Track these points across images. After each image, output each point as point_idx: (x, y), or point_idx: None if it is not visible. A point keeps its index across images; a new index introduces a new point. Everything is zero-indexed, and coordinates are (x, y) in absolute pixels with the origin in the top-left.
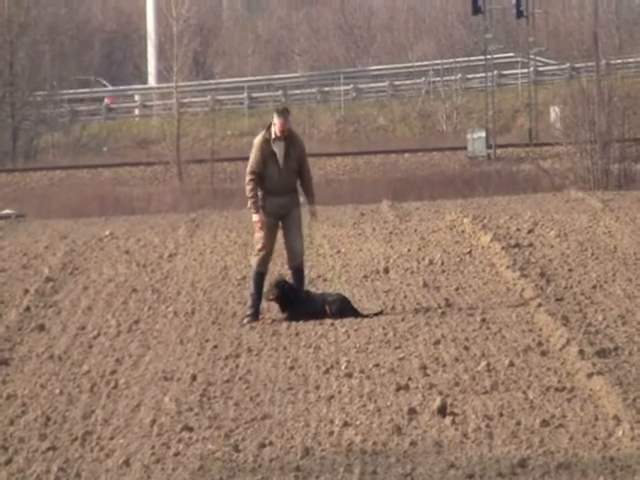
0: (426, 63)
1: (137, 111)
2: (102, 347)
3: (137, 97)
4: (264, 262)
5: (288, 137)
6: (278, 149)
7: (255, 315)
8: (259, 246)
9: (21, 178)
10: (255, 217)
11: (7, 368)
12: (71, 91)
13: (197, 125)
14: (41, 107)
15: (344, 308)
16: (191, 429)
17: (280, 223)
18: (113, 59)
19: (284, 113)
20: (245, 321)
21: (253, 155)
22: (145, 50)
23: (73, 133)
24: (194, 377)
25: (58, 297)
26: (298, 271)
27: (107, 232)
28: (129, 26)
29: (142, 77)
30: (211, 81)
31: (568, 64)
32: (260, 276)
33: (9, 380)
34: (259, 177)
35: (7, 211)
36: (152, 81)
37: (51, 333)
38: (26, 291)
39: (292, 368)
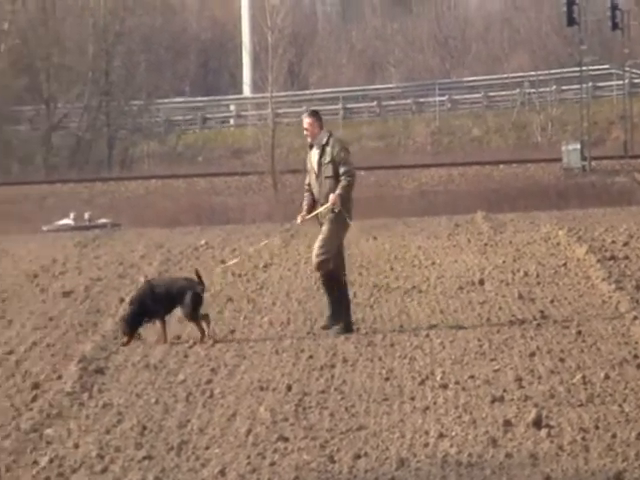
0: (521, 74)
1: (232, 121)
2: (198, 356)
3: (232, 107)
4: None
5: (325, 143)
6: (313, 155)
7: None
8: None
9: (117, 187)
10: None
11: (103, 377)
12: (166, 100)
13: (292, 135)
14: (136, 116)
15: None
16: (286, 439)
17: None
18: (208, 69)
19: (310, 113)
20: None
21: None
22: (240, 60)
23: (169, 142)
24: (289, 387)
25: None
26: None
27: (202, 241)
28: (224, 36)
29: (237, 87)
30: (306, 91)
31: None
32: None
33: (105, 389)
34: (310, 185)
35: (103, 220)
36: (247, 91)
37: (147, 342)
38: (122, 300)
39: (387, 379)
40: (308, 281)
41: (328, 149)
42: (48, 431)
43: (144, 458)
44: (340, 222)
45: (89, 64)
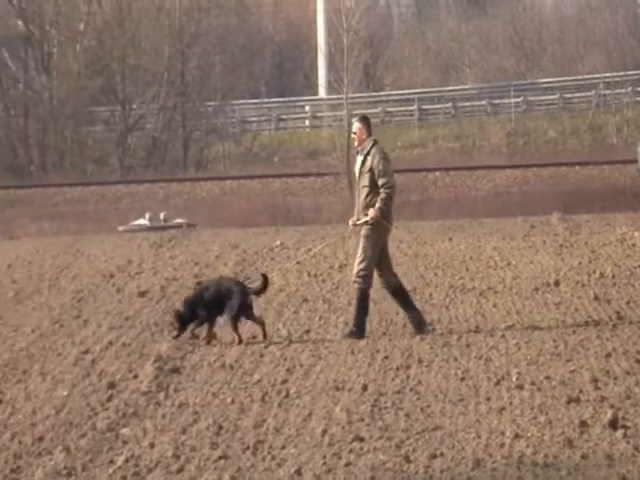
0: (596, 76)
1: (307, 122)
2: (273, 356)
3: (307, 108)
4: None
5: (368, 152)
6: (357, 162)
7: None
8: None
9: (192, 188)
10: None
11: (179, 376)
12: (242, 101)
13: None
14: (212, 117)
15: None
16: (362, 439)
17: None
18: (283, 70)
19: (360, 119)
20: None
21: None
22: (315, 61)
23: (244, 143)
24: (365, 387)
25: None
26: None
27: (278, 242)
28: (299, 37)
29: (312, 88)
30: (381, 93)
31: None
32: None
33: (181, 388)
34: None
35: (178, 220)
36: (322, 92)
37: (222, 341)
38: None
39: (463, 379)
40: None
41: (369, 158)
42: (124, 431)
43: (220, 458)
44: (377, 233)
45: (165, 65)
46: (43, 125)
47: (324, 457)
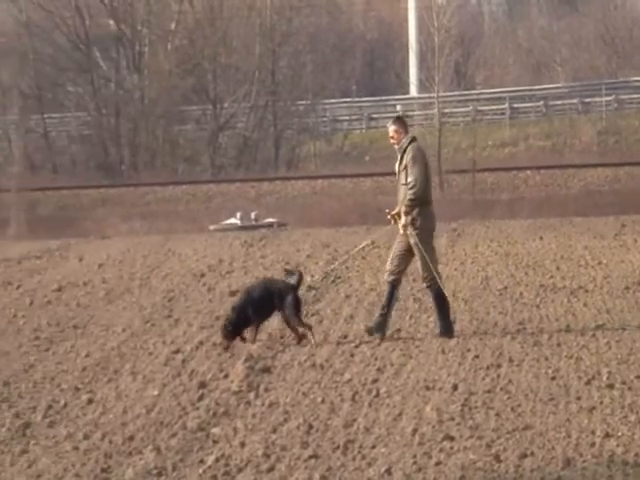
0: None
1: None
2: (364, 356)
3: (399, 107)
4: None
5: (405, 150)
6: (397, 160)
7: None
8: None
9: (283, 187)
10: None
11: (270, 376)
12: (333, 100)
13: (458, 135)
14: (303, 116)
15: None
16: (452, 439)
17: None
18: (374, 68)
19: (394, 120)
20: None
21: None
22: (406, 59)
23: (335, 142)
24: (455, 387)
25: (320, 305)
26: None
27: (368, 241)
28: (390, 35)
29: (404, 87)
30: (472, 91)
31: None
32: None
33: (272, 388)
34: None
35: (270, 220)
36: (414, 91)
37: (312, 341)
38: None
39: (553, 379)
40: (474, 280)
41: (405, 156)
42: (214, 430)
43: (310, 457)
44: (423, 233)
45: (256, 64)
46: (134, 124)
47: (414, 456)
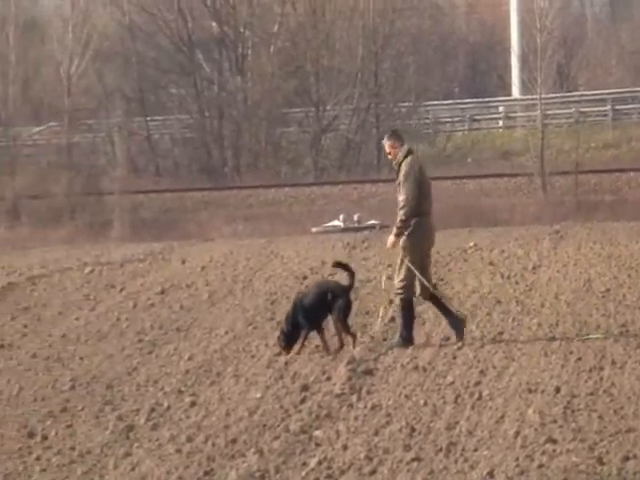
0: None
1: (501, 122)
2: (466, 358)
3: (501, 108)
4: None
5: (400, 162)
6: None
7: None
8: None
9: (386, 189)
10: None
11: (372, 378)
12: (435, 102)
13: (561, 137)
14: (405, 118)
15: None
16: (555, 441)
17: None
18: (477, 70)
19: (389, 136)
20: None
21: None
22: (509, 61)
23: (437, 144)
24: (558, 389)
25: (422, 308)
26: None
27: (471, 243)
28: (492, 38)
29: (506, 88)
30: (575, 93)
31: None
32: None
33: (374, 390)
34: None
35: (372, 222)
36: (516, 92)
37: (416, 344)
38: (391, 302)
39: None
40: (577, 283)
41: (400, 171)
42: (317, 433)
43: (412, 460)
44: (412, 241)
45: (358, 66)
46: (237, 127)
47: (517, 459)
